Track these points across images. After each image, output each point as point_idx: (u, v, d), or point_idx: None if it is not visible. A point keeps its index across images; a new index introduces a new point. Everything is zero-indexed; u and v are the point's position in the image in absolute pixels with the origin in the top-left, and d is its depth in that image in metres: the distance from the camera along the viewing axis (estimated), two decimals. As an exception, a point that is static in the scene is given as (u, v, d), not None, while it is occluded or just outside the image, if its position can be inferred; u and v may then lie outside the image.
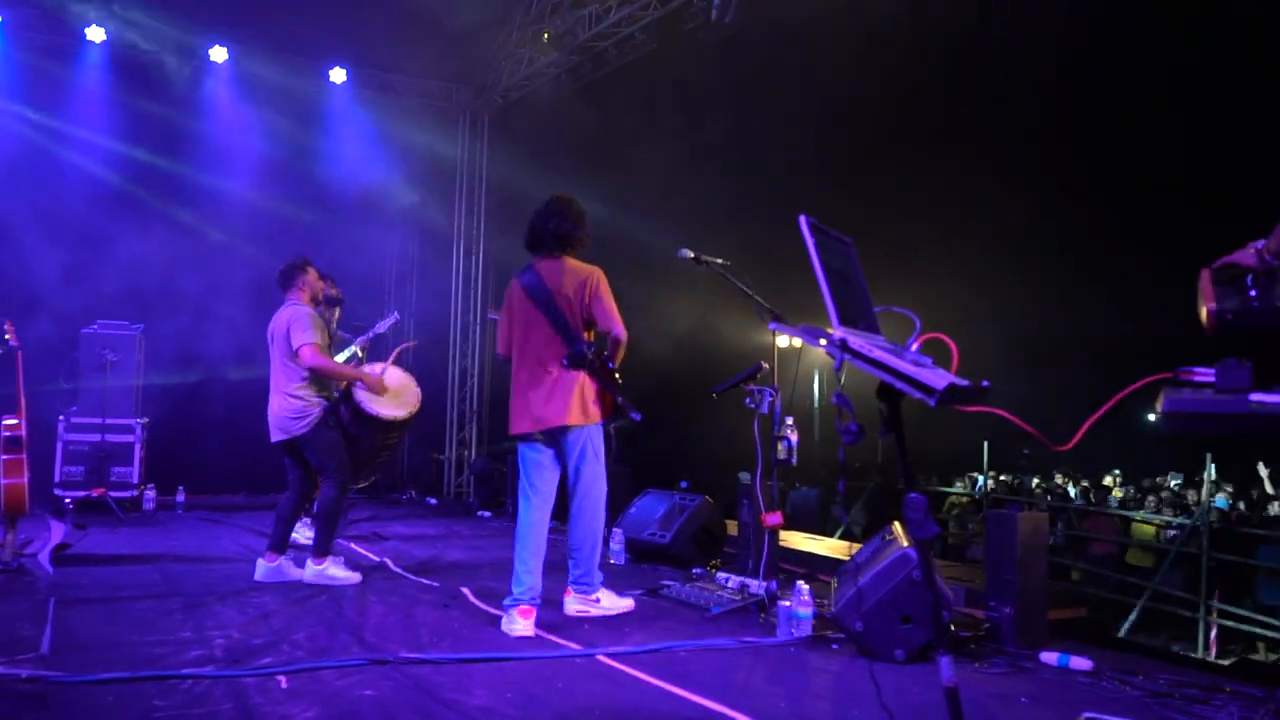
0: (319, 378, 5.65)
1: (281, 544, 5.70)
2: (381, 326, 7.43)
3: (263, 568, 5.66)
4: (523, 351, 4.87)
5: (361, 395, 5.66)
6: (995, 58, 12.58)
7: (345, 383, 5.77)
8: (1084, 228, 15.32)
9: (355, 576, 5.66)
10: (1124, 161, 14.36)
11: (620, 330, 4.80)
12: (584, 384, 4.79)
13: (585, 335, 4.83)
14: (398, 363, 6.14)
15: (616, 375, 4.86)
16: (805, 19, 9.50)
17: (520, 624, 4.52)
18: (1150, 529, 10.94)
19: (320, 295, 5.97)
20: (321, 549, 5.60)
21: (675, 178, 11.66)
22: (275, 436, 5.68)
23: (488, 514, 9.51)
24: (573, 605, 4.94)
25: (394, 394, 5.82)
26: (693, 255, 5.17)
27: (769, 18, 9.51)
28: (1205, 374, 2.49)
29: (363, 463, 5.92)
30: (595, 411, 4.84)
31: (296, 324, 5.54)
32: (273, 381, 5.71)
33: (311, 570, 5.58)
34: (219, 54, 10.59)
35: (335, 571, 5.61)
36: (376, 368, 5.91)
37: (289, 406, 5.58)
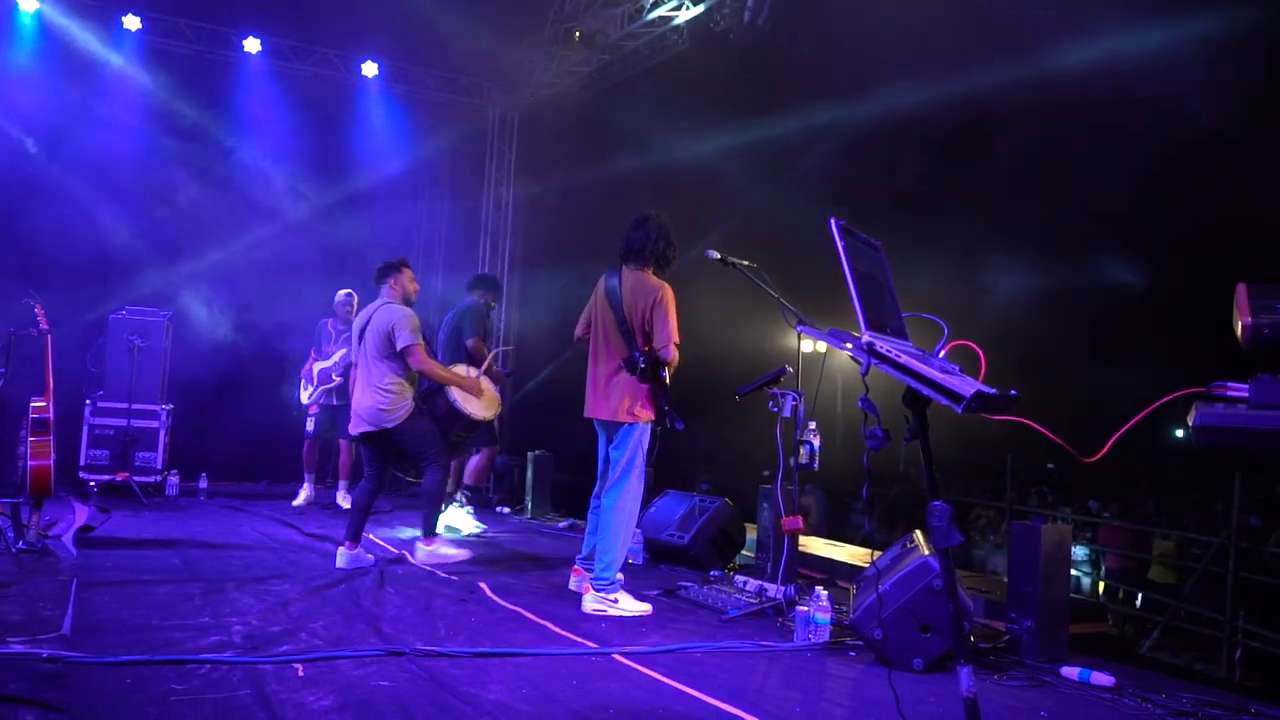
0: (411, 374, 5.87)
1: (357, 533, 5.89)
2: None
3: (344, 555, 5.85)
4: (595, 345, 5.34)
5: (455, 394, 6.18)
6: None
7: (433, 379, 6.06)
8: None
9: (464, 553, 5.95)
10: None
11: (669, 351, 5.12)
12: (635, 386, 5.15)
13: (643, 344, 5.16)
14: (492, 364, 6.81)
15: (666, 384, 5.22)
16: (847, 28, 9.46)
17: (572, 580, 5.40)
18: (1169, 547, 10.80)
19: (412, 296, 6.13)
20: (431, 530, 5.89)
21: (705, 178, 11.63)
22: (361, 428, 5.85)
23: (506, 510, 9.52)
24: (590, 603, 5.01)
25: (486, 395, 6.44)
26: (719, 256, 5.16)
27: (807, 22, 9.48)
28: (1239, 389, 2.45)
29: None
30: (643, 414, 5.18)
31: (400, 326, 5.75)
32: (363, 375, 5.87)
33: (423, 552, 5.84)
34: (253, 45, 10.69)
35: (446, 550, 5.91)
36: (471, 372, 6.41)
37: (381, 400, 5.76)
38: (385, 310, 5.89)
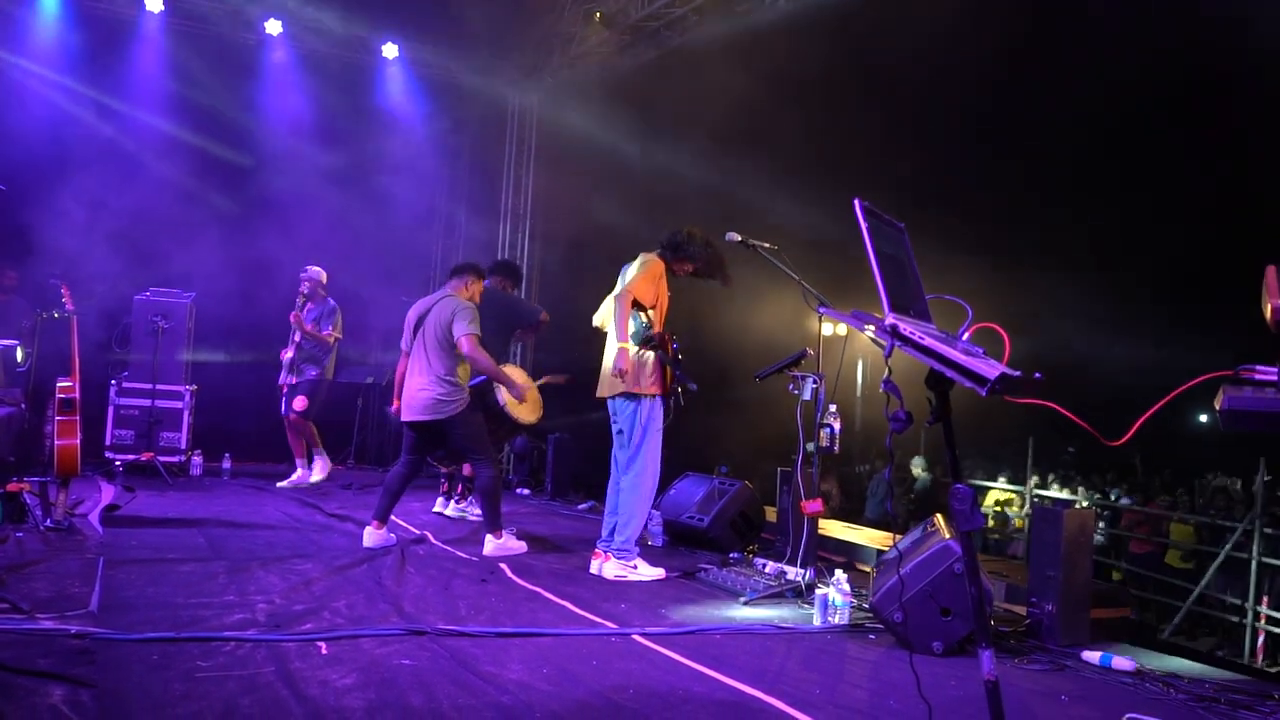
0: (470, 367, 5.97)
1: (385, 514, 5.98)
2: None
3: (370, 535, 5.92)
4: (609, 329, 5.59)
5: (502, 394, 6.28)
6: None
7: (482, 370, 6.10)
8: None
9: (522, 546, 6.02)
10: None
11: (622, 290, 5.34)
12: (639, 358, 5.37)
13: (643, 315, 5.41)
14: (544, 388, 6.93)
15: (676, 353, 5.47)
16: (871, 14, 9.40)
17: (593, 564, 5.47)
18: (1189, 531, 10.72)
19: (476, 300, 6.19)
20: (495, 524, 5.94)
21: (725, 159, 11.56)
22: (414, 417, 5.89)
23: (526, 492, 9.56)
24: (612, 569, 5.34)
25: (531, 400, 6.59)
26: (740, 238, 5.17)
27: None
28: (1267, 372, 2.42)
29: None
30: (650, 385, 5.37)
31: (462, 315, 5.83)
32: (420, 364, 5.92)
33: (491, 545, 5.90)
34: (274, 27, 10.71)
35: (511, 543, 5.98)
36: (519, 377, 6.45)
37: (440, 391, 5.82)
38: (448, 302, 5.95)
